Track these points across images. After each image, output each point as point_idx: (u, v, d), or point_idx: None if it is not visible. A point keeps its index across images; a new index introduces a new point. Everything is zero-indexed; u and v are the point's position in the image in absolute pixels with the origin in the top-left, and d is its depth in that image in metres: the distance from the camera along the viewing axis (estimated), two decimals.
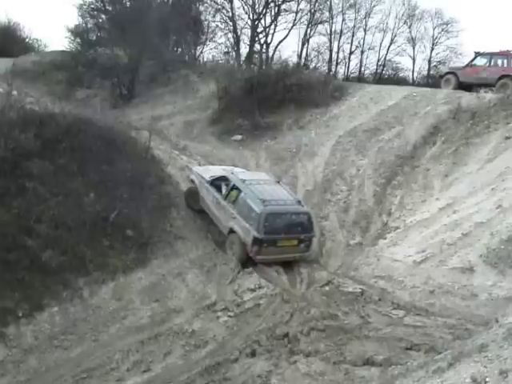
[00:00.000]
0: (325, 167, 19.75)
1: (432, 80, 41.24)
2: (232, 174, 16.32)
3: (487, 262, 12.97)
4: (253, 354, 11.50)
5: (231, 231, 15.06)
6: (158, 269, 14.12)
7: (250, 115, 24.31)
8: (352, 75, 44.65)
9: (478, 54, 24.23)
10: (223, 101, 26.46)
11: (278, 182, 16.20)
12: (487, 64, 23.74)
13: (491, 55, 23.78)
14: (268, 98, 24.71)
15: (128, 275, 13.69)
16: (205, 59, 42.31)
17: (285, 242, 14.58)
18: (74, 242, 13.54)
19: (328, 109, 24.21)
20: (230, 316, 12.74)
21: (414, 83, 41.28)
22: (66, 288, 12.76)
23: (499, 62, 23.54)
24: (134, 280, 13.66)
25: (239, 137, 23.67)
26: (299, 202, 15.32)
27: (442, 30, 45.09)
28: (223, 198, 15.62)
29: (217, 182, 16.28)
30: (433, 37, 45.33)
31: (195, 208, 16.68)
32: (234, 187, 15.41)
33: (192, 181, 17.27)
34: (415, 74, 46.53)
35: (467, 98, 21.56)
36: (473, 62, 24.29)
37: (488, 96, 22.01)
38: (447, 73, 25.33)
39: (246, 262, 14.60)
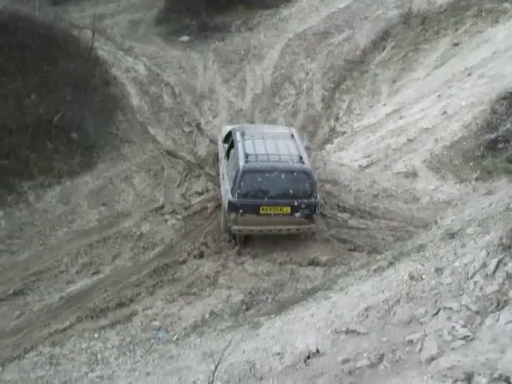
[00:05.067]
0: (274, 70, 19.48)
1: None
2: (240, 127, 13.68)
3: (430, 167, 13.36)
4: (201, 255, 11.74)
5: None
6: (105, 172, 13.98)
7: (197, 15, 23.45)
8: None
9: None
10: None
11: (293, 136, 13.10)
12: None
13: None
14: None
15: (74, 179, 13.53)
16: None
17: (271, 208, 11.52)
18: (17, 145, 13.20)
19: (278, 10, 23.56)
20: (177, 219, 12.84)
21: None
22: (10, 192, 12.57)
23: None
24: (80, 184, 13.52)
25: (186, 38, 22.90)
26: (300, 159, 11.97)
27: None
28: (224, 157, 13.16)
29: (226, 142, 13.61)
30: None
31: None
32: (233, 143, 12.74)
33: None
34: None
35: (418, 2, 21.28)
36: None
37: (439, 1, 21.81)
38: None
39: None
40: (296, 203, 11.49)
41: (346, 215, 12.61)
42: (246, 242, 11.93)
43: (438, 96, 15.45)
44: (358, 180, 13.51)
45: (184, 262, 11.55)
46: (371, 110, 16.96)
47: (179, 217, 12.86)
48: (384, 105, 16.78)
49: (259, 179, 11.61)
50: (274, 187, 11.64)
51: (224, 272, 11.25)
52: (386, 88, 17.71)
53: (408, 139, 14.22)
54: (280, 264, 11.38)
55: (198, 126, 16.41)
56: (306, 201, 11.53)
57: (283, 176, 11.64)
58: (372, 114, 16.57)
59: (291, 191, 11.58)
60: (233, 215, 11.42)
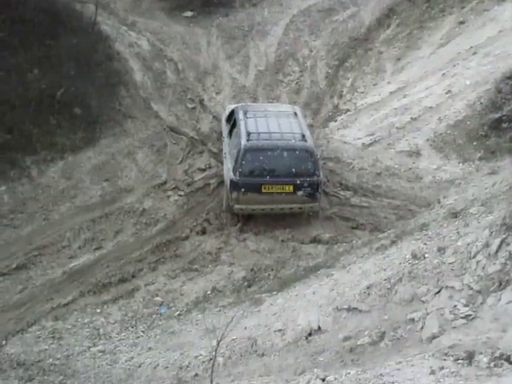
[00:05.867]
0: (277, 47, 19.33)
1: None
2: (242, 105, 13.59)
3: (433, 146, 13.32)
4: (203, 232, 11.78)
5: None
6: (108, 148, 13.95)
7: None
8: None
9: None
10: None
11: (296, 114, 13.00)
12: None
13: None
14: None
15: (77, 154, 13.52)
16: None
17: (273, 187, 11.36)
18: (20, 120, 13.17)
19: None
20: (180, 195, 12.86)
21: None
22: (12, 167, 12.58)
23: None
24: (83, 159, 13.51)
25: (190, 13, 22.67)
26: (303, 137, 11.75)
27: None
28: (227, 136, 12.95)
29: (229, 120, 13.33)
30: None
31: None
32: (235, 122, 12.57)
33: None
34: None
35: None
36: None
37: None
38: None
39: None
40: (298, 182, 11.36)
41: (348, 193, 12.61)
42: (248, 219, 11.96)
43: (443, 74, 15.34)
44: (361, 158, 13.48)
45: (186, 238, 11.60)
46: (375, 87, 16.86)
47: (182, 193, 12.88)
48: (388, 83, 16.68)
49: (261, 157, 11.48)
50: (276, 166, 11.51)
51: (226, 249, 11.31)
52: (390, 66, 17.58)
53: (412, 118, 14.17)
54: (282, 241, 11.42)
55: (201, 102, 16.34)
56: (308, 179, 11.39)
57: (285, 154, 11.53)
58: (376, 91, 16.48)
59: (293, 170, 11.46)
60: (235, 194, 11.31)
